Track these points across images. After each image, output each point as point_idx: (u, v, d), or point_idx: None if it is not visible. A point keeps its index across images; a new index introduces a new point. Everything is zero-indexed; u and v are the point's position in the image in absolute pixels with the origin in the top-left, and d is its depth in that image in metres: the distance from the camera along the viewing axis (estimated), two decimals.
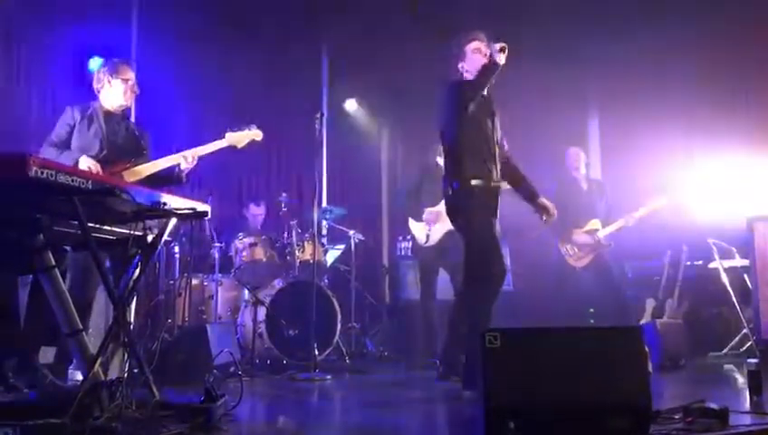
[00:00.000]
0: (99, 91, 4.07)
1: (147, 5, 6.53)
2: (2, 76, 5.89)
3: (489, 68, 3.87)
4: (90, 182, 2.54)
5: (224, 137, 4.16)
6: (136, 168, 3.93)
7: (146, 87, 6.47)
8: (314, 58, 7.89)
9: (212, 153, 4.14)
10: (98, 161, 3.82)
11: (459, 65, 4.13)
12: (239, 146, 4.21)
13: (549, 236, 6.09)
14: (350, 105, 8.87)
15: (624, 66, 7.29)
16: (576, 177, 6.10)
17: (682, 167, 6.56)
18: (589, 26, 6.75)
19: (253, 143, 4.27)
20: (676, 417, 2.62)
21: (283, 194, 6.41)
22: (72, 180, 2.46)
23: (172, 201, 2.93)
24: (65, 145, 3.91)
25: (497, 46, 3.82)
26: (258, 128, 4.25)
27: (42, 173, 2.34)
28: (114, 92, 4.05)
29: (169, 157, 4.00)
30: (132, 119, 6.36)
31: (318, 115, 5.32)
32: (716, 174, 6.49)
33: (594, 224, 5.89)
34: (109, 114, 4.04)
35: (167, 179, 3.97)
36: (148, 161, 4.01)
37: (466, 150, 3.98)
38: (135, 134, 4.07)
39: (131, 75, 4.09)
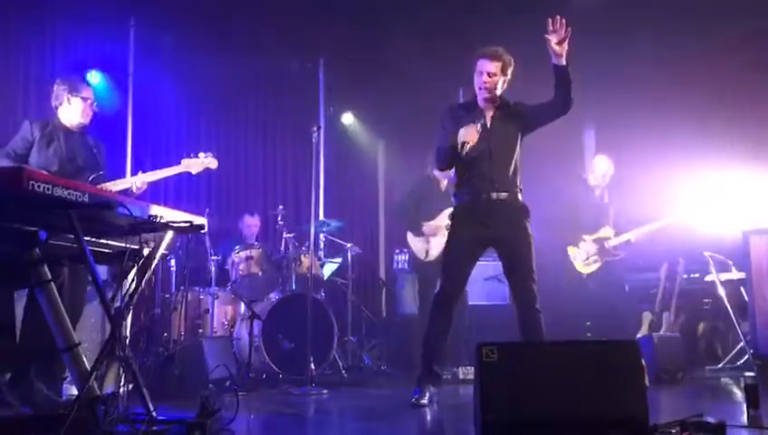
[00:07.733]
0: (57, 108, 4.07)
1: (144, 19, 6.55)
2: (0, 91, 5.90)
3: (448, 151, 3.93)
4: (86, 195, 2.53)
5: (179, 163, 4.31)
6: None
7: (143, 99, 6.49)
8: (311, 71, 7.92)
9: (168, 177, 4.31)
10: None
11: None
12: (194, 172, 4.34)
13: (556, 241, 6.02)
14: (347, 118, 8.89)
15: (621, 78, 7.32)
16: (591, 184, 6.03)
17: (678, 180, 6.56)
18: (585, 36, 6.75)
19: (209, 170, 4.41)
20: (674, 431, 2.62)
21: (280, 207, 6.43)
22: (69, 194, 2.45)
23: (169, 215, 2.92)
24: (21, 160, 3.89)
25: (460, 138, 3.84)
26: (215, 157, 4.39)
27: (38, 187, 2.33)
28: (73, 110, 4.05)
29: (123, 180, 4.13)
30: (129, 129, 6.43)
31: (315, 128, 5.34)
32: (713, 187, 6.49)
33: (606, 232, 5.84)
34: (68, 131, 4.04)
35: None
36: (105, 179, 4.05)
37: (456, 169, 4.10)
38: (94, 151, 4.10)
39: (90, 94, 4.12)
